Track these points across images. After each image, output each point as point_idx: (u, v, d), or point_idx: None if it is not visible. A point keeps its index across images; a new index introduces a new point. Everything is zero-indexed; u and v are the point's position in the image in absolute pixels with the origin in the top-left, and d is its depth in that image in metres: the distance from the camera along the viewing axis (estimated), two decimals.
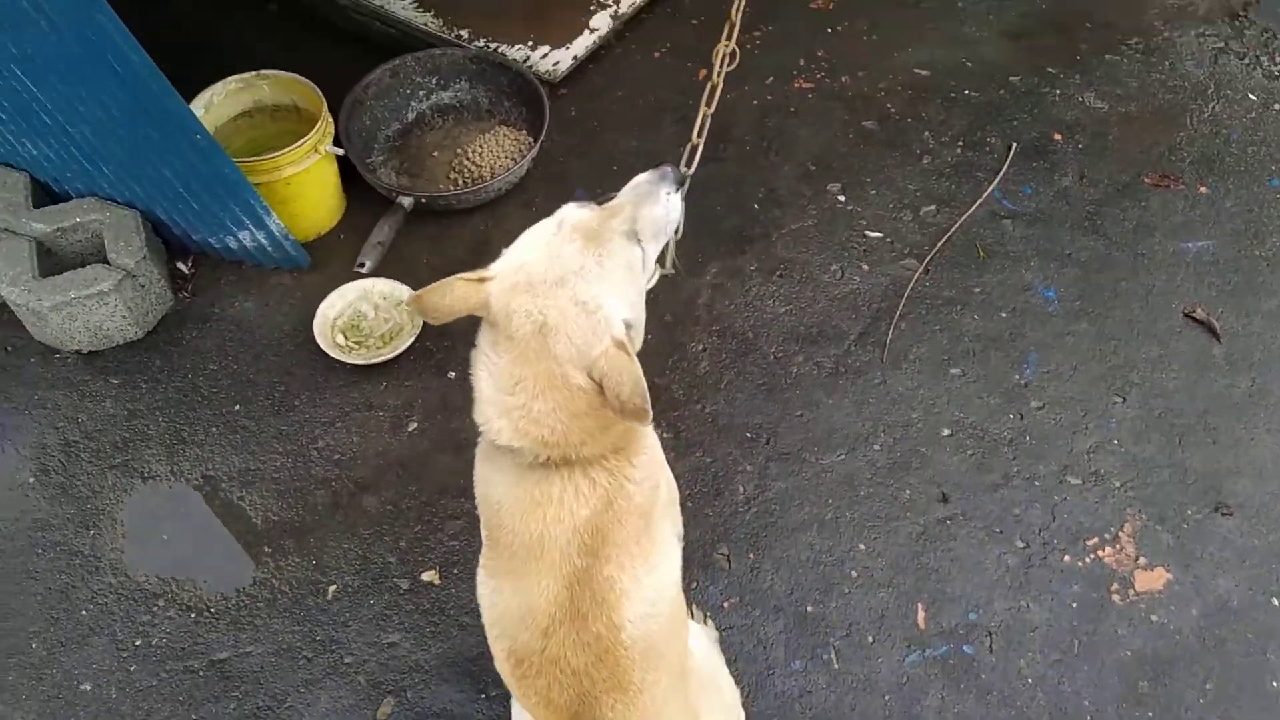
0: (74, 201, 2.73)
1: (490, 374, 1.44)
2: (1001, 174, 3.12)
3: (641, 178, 1.55)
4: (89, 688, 2.17)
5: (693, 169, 2.16)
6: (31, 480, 2.48)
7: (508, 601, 1.49)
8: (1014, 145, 3.19)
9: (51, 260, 2.73)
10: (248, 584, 2.32)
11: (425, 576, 2.32)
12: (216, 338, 2.76)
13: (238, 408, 2.62)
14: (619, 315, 1.39)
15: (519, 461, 1.44)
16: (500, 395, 1.42)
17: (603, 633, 1.43)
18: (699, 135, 2.20)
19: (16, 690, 2.16)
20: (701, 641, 1.84)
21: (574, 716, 1.47)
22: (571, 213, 1.46)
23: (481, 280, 1.43)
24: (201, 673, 2.19)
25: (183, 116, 2.28)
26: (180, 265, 2.92)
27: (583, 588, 1.42)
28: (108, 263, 2.63)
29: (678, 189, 1.56)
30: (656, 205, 1.51)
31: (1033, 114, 3.29)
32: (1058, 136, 3.23)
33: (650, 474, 1.52)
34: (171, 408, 2.63)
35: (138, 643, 2.23)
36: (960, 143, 3.23)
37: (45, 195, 2.81)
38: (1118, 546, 2.35)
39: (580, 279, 1.38)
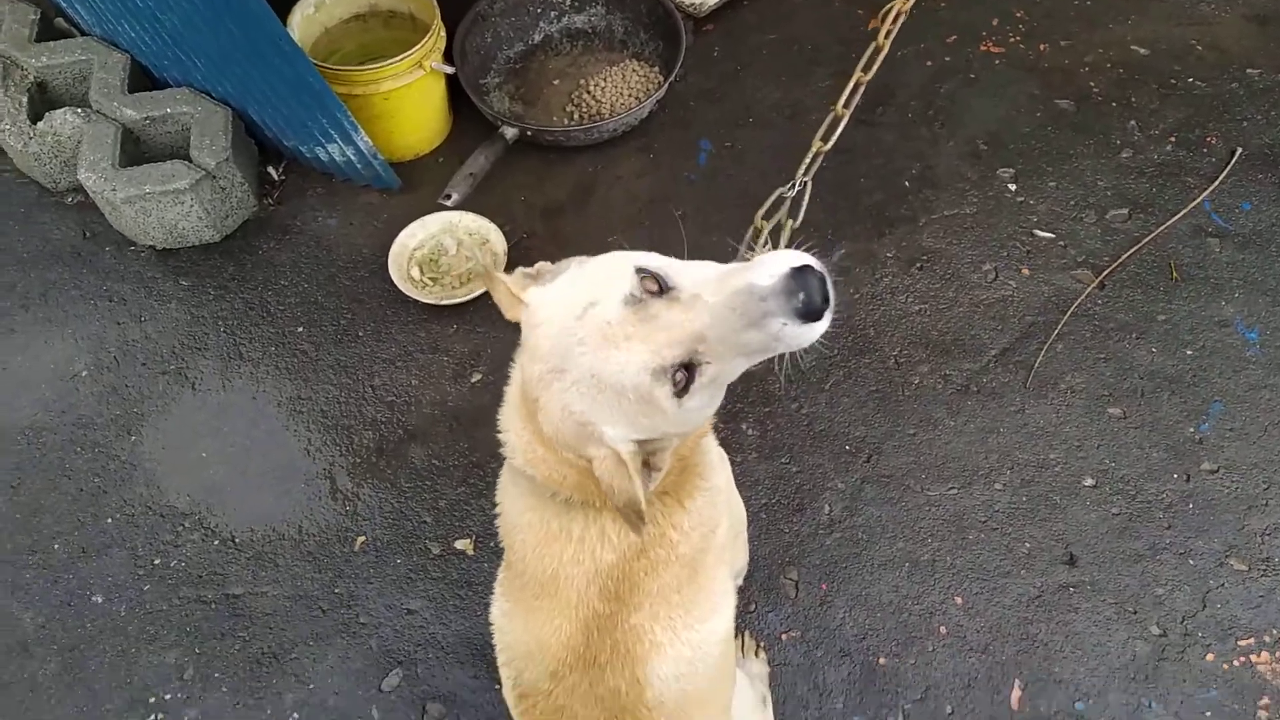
0: (168, 90, 2.83)
1: (517, 381, 1.30)
2: (1218, 183, 2.82)
3: (757, 273, 1.07)
4: (100, 600, 2.27)
5: (830, 144, 2.05)
6: (84, 374, 2.60)
7: (518, 632, 1.42)
8: (1239, 150, 2.88)
9: (140, 149, 2.84)
10: (277, 520, 2.36)
11: (459, 544, 2.31)
12: (292, 252, 2.82)
13: (300, 330, 2.67)
14: (623, 438, 1.17)
15: (536, 489, 1.33)
16: (520, 411, 1.28)
17: (623, 689, 1.33)
18: (845, 105, 2.08)
19: (30, 590, 2.28)
20: (744, 692, 1.74)
21: None
22: (622, 286, 1.13)
23: (519, 298, 1.25)
24: (213, 605, 2.25)
25: (261, 16, 2.29)
26: (271, 170, 2.98)
27: (603, 635, 1.33)
28: (190, 160, 2.70)
29: (817, 312, 1.07)
30: (752, 331, 1.08)
31: (1269, 116, 2.95)
32: None
33: (706, 518, 1.38)
34: (235, 319, 2.70)
35: (156, 562, 2.31)
36: (1172, 139, 2.93)
37: (145, 79, 2.91)
38: (1277, 654, 2.09)
39: (577, 392, 1.15)
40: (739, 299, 1.07)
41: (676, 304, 1.11)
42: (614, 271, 1.15)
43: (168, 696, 2.16)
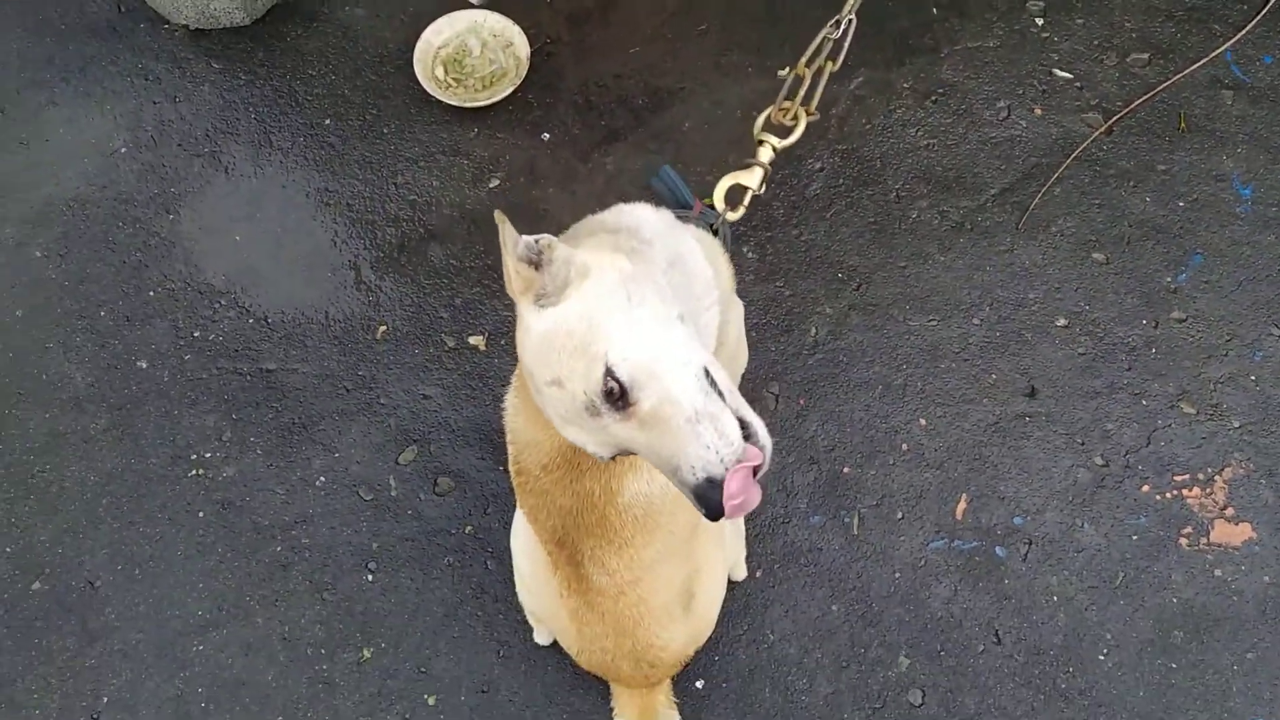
0: None
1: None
2: (1245, 31, 2.76)
3: (683, 464, 1.16)
4: (144, 365, 2.47)
5: (855, 10, 1.88)
6: (124, 150, 2.71)
7: (523, 424, 1.59)
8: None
9: None
10: (306, 305, 2.53)
11: (473, 340, 2.48)
12: (320, 40, 2.84)
13: (328, 122, 2.74)
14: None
15: None
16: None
17: (597, 491, 1.53)
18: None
19: (81, 352, 2.48)
20: None
21: (557, 541, 1.62)
22: (588, 384, 1.19)
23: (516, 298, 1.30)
24: (249, 377, 2.45)
25: None
26: None
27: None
28: None
29: (714, 514, 1.17)
30: (677, 439, 1.18)
31: None
32: None
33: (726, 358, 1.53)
34: (265, 106, 2.76)
35: (196, 334, 2.50)
36: None
37: None
38: (1208, 490, 2.28)
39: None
40: (665, 466, 1.18)
41: (628, 421, 1.18)
42: (589, 351, 1.18)
43: (208, 455, 2.40)
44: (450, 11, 2.78)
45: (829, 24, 1.77)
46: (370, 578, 2.27)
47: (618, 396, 1.17)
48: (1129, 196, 2.58)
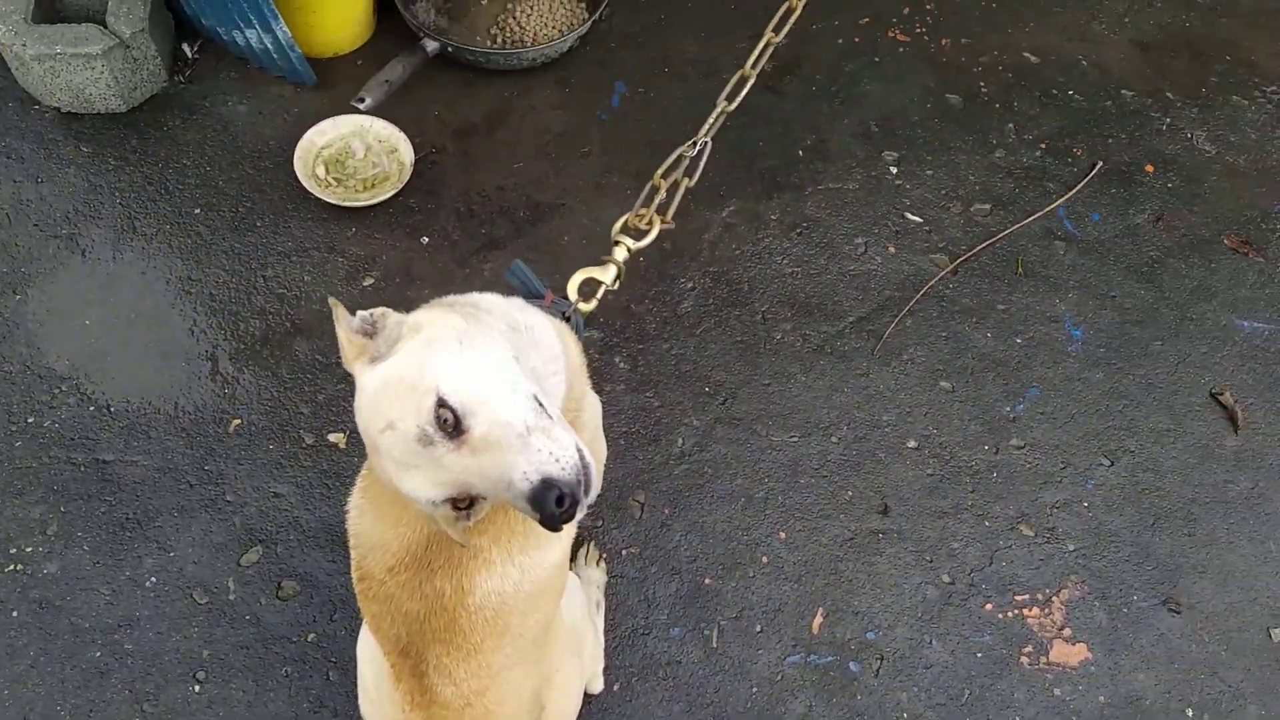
0: None
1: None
2: (1074, 191, 3.03)
3: (515, 472, 1.13)
4: None
5: (734, 105, 2.12)
6: None
7: (367, 525, 1.52)
8: (1099, 164, 3.09)
9: (55, 7, 2.75)
10: (154, 394, 2.39)
11: (332, 437, 2.39)
12: (198, 132, 2.79)
13: (198, 211, 2.67)
14: (429, 501, 1.24)
15: None
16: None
17: (448, 592, 1.45)
18: (752, 66, 2.17)
19: None
20: (575, 595, 1.88)
21: (401, 650, 1.52)
22: (419, 416, 1.17)
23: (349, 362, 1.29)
24: (83, 468, 2.29)
25: None
26: (185, 47, 2.93)
27: (441, 547, 1.43)
28: (105, 25, 2.64)
29: (552, 524, 1.14)
30: (510, 454, 1.15)
31: (1132, 136, 3.17)
32: (1150, 168, 3.11)
33: None
34: (133, 192, 2.68)
35: (30, 420, 2.33)
36: (1043, 145, 3.12)
37: None
38: (1047, 610, 2.35)
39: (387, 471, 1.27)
40: (500, 485, 1.15)
41: (461, 450, 1.17)
42: (419, 387, 1.18)
43: (29, 549, 2.20)
44: (335, 114, 2.79)
45: (686, 144, 1.90)
46: (198, 688, 2.09)
47: (450, 425, 1.16)
48: (972, 331, 2.74)
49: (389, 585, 1.48)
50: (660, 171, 1.97)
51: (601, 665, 2.09)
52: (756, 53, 2.17)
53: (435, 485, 1.20)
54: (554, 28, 3.12)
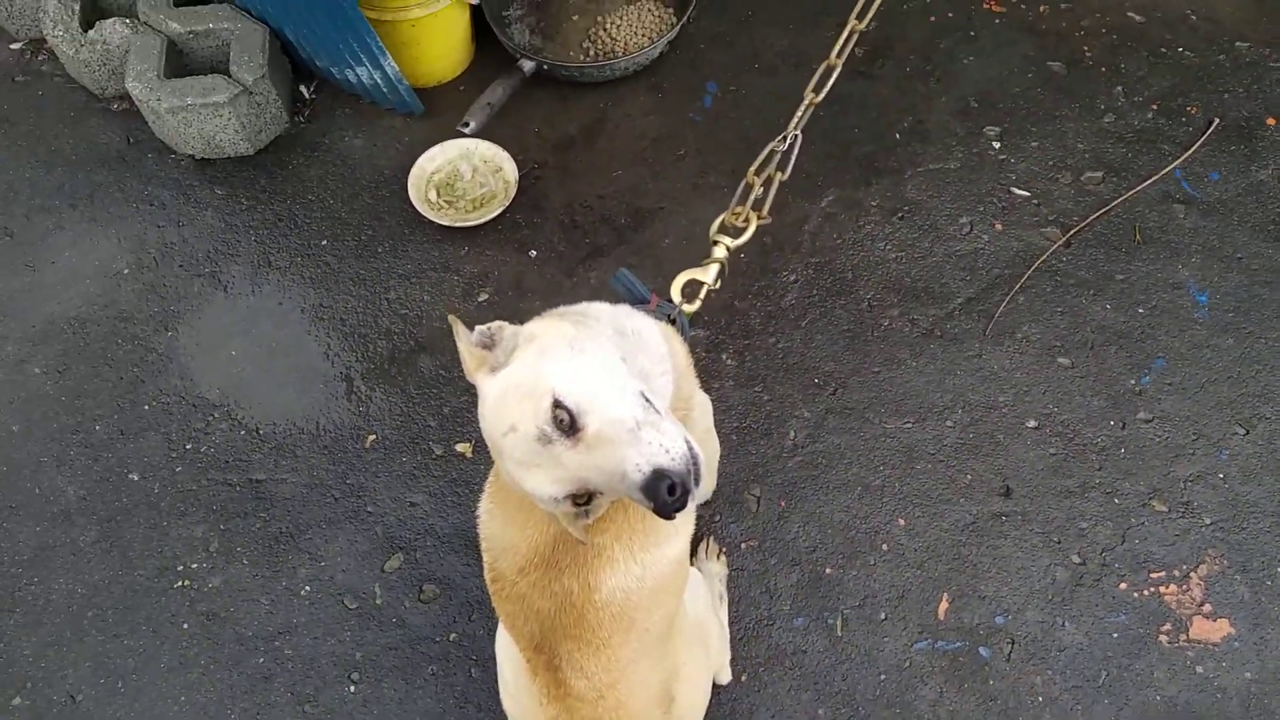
0: (210, 6, 2.94)
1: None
2: (1192, 151, 2.91)
3: (629, 465, 1.19)
4: (136, 477, 2.48)
5: (822, 95, 2.13)
6: (126, 271, 2.78)
7: (497, 529, 1.61)
8: (1216, 121, 2.96)
9: (183, 62, 2.96)
10: (297, 416, 2.56)
11: (459, 447, 2.50)
12: (320, 169, 2.96)
13: (325, 242, 2.83)
14: (551, 499, 1.31)
15: None
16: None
17: (575, 589, 1.53)
18: (838, 55, 2.16)
19: (75, 465, 2.49)
20: (698, 590, 1.94)
21: (535, 646, 1.60)
22: (537, 418, 1.25)
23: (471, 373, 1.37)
24: (238, 488, 2.46)
25: None
26: (303, 89, 3.11)
27: (567, 547, 1.51)
28: (229, 74, 2.83)
29: (666, 513, 1.20)
30: (622, 448, 1.22)
31: (1250, 89, 3.02)
32: (1271, 121, 2.96)
33: None
34: (265, 229, 2.86)
35: (188, 447, 2.52)
36: (1154, 107, 3.01)
37: None
38: (1184, 587, 2.27)
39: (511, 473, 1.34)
40: (615, 477, 1.21)
41: (577, 447, 1.23)
42: (536, 391, 1.25)
43: (194, 565, 2.38)
44: (443, 140, 2.91)
45: (777, 139, 1.91)
46: (353, 689, 2.23)
47: (566, 424, 1.23)
48: (1090, 304, 2.66)
49: (520, 585, 1.57)
50: (753, 169, 1.99)
51: (728, 657, 2.13)
52: (840, 41, 2.16)
53: (555, 482, 1.27)
54: (643, 35, 3.17)
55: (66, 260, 2.81)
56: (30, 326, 2.70)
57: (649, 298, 1.76)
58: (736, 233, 1.94)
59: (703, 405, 1.73)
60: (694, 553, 2.25)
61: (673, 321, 1.71)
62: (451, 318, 1.38)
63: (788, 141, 2.01)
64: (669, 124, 3.02)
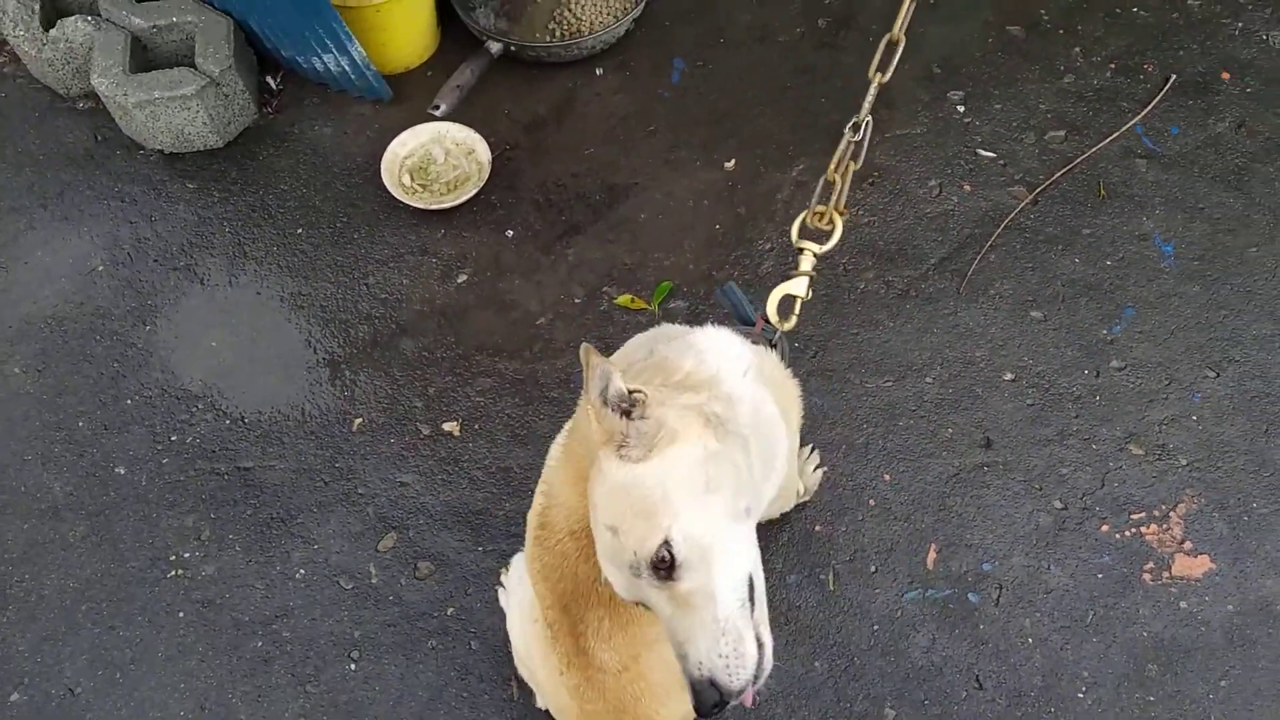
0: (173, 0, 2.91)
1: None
2: (1150, 107, 2.96)
3: (694, 671, 1.23)
4: (123, 471, 2.46)
5: (888, 75, 1.91)
6: (100, 269, 2.76)
7: (561, 482, 1.58)
8: (1173, 77, 3.02)
9: (147, 57, 2.93)
10: (282, 403, 2.55)
11: (447, 426, 2.50)
12: (291, 158, 2.94)
13: (300, 231, 2.82)
14: None
15: None
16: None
17: None
18: (901, 28, 1.93)
19: (60, 462, 2.47)
20: None
21: (563, 606, 1.59)
22: (640, 551, 1.24)
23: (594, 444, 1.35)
24: (226, 476, 2.45)
25: None
26: (269, 80, 3.09)
27: None
28: (195, 67, 2.81)
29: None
30: (697, 629, 1.23)
31: (1204, 45, 3.08)
32: (1226, 75, 3.02)
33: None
34: (239, 220, 2.84)
35: (173, 438, 2.50)
36: (1112, 66, 3.06)
37: None
38: (1165, 526, 2.33)
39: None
40: (674, 642, 1.24)
41: (663, 588, 1.23)
42: (654, 519, 1.22)
43: (187, 555, 2.37)
44: (414, 125, 2.90)
45: (849, 127, 1.83)
46: (353, 667, 2.23)
47: (665, 568, 1.21)
48: (1059, 259, 2.71)
49: (566, 544, 1.54)
50: (834, 164, 1.85)
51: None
52: (904, 14, 1.91)
53: (623, 589, 1.29)
54: (609, 14, 3.18)
55: (39, 260, 2.78)
56: (7, 327, 2.67)
57: (755, 319, 1.71)
58: (818, 235, 1.83)
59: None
60: None
61: (773, 346, 1.69)
62: (586, 350, 1.25)
63: (860, 129, 1.85)
64: (638, 101, 3.03)
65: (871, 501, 2.37)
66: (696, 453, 1.27)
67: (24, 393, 2.58)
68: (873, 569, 2.29)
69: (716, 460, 1.27)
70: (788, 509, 2.21)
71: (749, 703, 1.24)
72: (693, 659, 1.19)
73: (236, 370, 2.60)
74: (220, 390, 2.57)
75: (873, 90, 1.83)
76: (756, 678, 1.22)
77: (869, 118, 1.81)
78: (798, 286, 1.77)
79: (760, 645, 1.24)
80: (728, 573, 1.23)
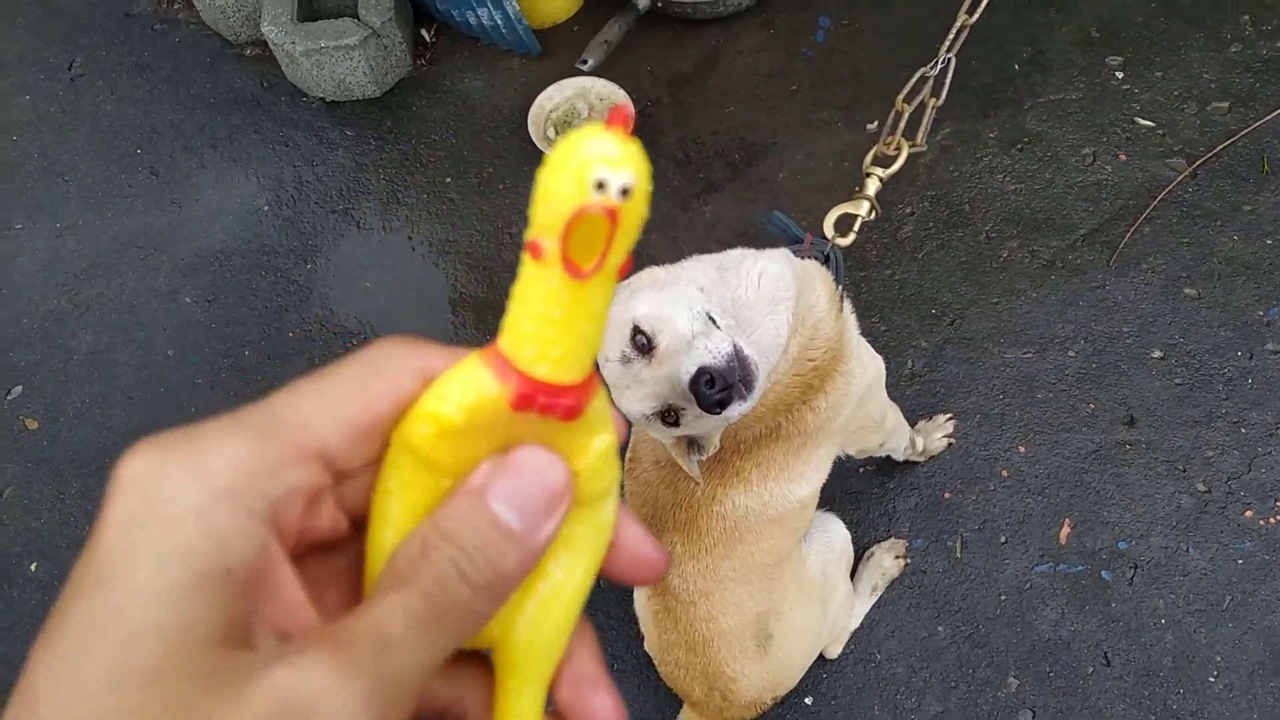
0: None
1: None
2: None
3: (679, 369, 1.31)
4: None
5: (975, 17, 1.95)
6: (265, 208, 2.91)
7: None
8: None
9: (313, 7, 3.06)
10: None
11: None
12: (442, 110, 3.04)
13: (449, 180, 2.92)
14: (665, 434, 1.48)
15: None
16: None
17: (698, 493, 1.62)
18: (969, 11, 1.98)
19: (227, 387, 2.64)
20: (833, 552, 1.99)
21: (646, 525, 1.67)
22: (620, 344, 1.38)
23: None
24: None
25: None
26: (424, 32, 3.18)
27: (709, 461, 1.58)
28: (358, 18, 2.92)
29: (713, 408, 1.29)
30: (679, 358, 1.33)
31: None
32: None
33: (839, 400, 1.59)
34: (392, 168, 2.96)
35: None
36: None
37: None
38: None
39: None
40: (677, 387, 1.31)
41: (652, 363, 1.35)
42: (621, 321, 1.37)
43: None
44: (560, 79, 2.96)
45: (930, 64, 1.87)
46: None
47: (644, 346, 1.34)
48: (1217, 235, 2.60)
49: (650, 473, 1.68)
50: (902, 95, 1.89)
51: (847, 634, 2.15)
52: None
53: (640, 400, 1.37)
54: None
55: (210, 198, 2.96)
56: (180, 259, 2.85)
57: (803, 237, 1.76)
58: (888, 163, 1.87)
59: (866, 362, 1.70)
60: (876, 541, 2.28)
61: (827, 259, 1.72)
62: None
63: (939, 65, 1.87)
64: (781, 60, 3.01)
65: (1005, 472, 2.35)
66: (646, 279, 1.45)
67: (194, 321, 2.76)
68: (1003, 539, 2.28)
69: (662, 278, 1.44)
70: (895, 454, 2.18)
71: (737, 400, 1.30)
72: (682, 373, 1.29)
73: (388, 310, 2.72)
74: (374, 328, 2.70)
75: (954, 29, 1.90)
76: (746, 379, 1.30)
77: (951, 56, 1.87)
78: (859, 208, 1.84)
79: (739, 348, 1.33)
80: (687, 315, 1.34)
